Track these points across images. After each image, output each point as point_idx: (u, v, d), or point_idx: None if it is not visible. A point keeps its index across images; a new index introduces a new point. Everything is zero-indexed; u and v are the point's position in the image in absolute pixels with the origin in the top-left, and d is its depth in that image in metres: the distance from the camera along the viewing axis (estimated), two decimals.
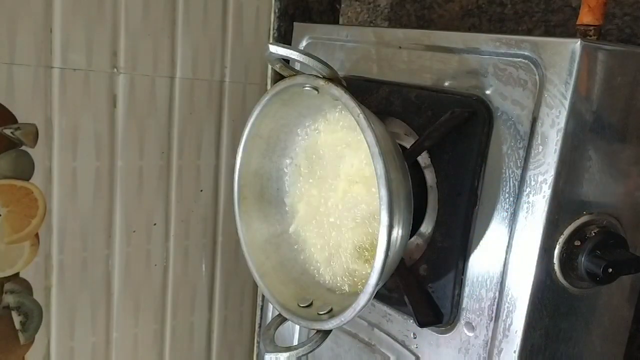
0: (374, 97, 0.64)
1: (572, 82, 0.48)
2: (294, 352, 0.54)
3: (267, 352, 0.55)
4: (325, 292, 0.60)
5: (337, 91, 0.51)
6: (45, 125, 0.68)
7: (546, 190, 0.50)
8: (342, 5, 0.93)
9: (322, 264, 0.62)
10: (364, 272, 0.59)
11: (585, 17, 0.52)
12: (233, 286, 0.88)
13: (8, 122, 0.66)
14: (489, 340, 0.54)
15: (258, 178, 0.63)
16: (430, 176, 0.58)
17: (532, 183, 0.50)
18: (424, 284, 0.58)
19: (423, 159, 0.58)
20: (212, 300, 0.87)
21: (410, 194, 0.52)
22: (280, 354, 0.54)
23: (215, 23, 0.79)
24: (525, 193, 0.51)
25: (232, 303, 0.89)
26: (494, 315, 0.54)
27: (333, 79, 0.52)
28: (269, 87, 0.85)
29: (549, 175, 0.49)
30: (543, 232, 0.50)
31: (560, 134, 0.49)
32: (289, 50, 0.51)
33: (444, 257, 0.57)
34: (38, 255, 0.70)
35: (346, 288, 0.60)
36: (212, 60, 0.79)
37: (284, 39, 0.83)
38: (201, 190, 0.82)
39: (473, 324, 0.56)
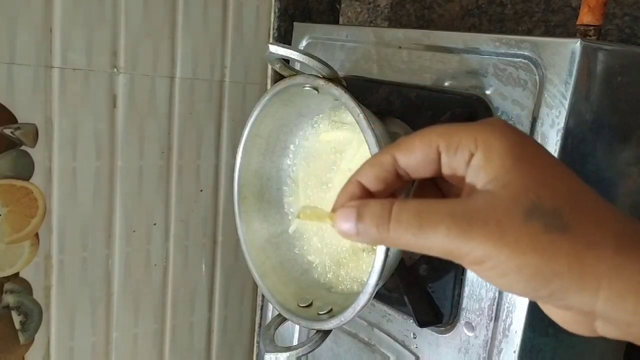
0: (374, 97, 0.64)
1: (572, 82, 0.48)
2: (293, 352, 0.54)
3: (267, 352, 0.55)
4: (325, 292, 0.60)
5: (337, 91, 0.51)
6: (45, 125, 0.68)
7: None
8: (342, 5, 0.93)
9: (322, 263, 0.62)
10: (363, 272, 0.59)
11: (585, 17, 0.52)
12: (233, 286, 0.88)
13: (8, 122, 0.66)
14: (489, 340, 0.54)
15: (258, 178, 0.63)
16: None
17: None
18: (424, 284, 0.58)
19: None
20: (212, 300, 0.87)
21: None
22: (280, 353, 0.54)
23: (215, 23, 0.79)
24: None
25: (232, 303, 0.89)
26: (494, 315, 0.54)
27: (333, 79, 0.52)
28: (269, 87, 0.85)
29: None
30: None
31: (560, 134, 0.49)
32: (289, 50, 0.51)
33: None
34: (38, 255, 0.70)
35: (346, 288, 0.60)
36: (212, 60, 0.79)
37: (284, 39, 0.83)
38: (201, 190, 0.82)
39: (473, 324, 0.56)
